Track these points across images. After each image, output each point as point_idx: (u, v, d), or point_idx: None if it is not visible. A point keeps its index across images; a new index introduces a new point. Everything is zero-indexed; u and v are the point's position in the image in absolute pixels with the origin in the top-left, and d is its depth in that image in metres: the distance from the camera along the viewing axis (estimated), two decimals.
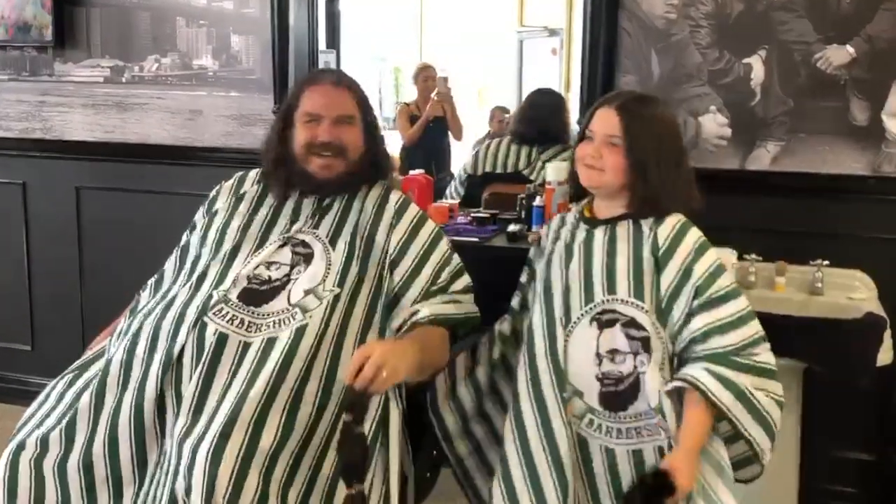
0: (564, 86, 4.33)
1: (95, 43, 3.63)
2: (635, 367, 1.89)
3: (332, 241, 2.07)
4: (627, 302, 1.91)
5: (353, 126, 2.13)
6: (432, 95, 4.13)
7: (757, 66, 2.82)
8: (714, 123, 2.88)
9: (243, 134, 3.45)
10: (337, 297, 1.96)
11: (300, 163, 2.13)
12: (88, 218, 3.71)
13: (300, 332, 1.88)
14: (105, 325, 2.21)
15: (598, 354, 1.91)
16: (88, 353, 2.08)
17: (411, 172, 3.37)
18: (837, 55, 2.74)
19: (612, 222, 2.01)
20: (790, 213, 2.81)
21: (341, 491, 1.79)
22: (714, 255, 1.94)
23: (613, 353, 1.90)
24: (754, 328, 1.90)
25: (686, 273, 1.91)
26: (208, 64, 3.48)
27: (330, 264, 2.03)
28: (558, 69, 4.40)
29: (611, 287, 1.93)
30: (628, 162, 1.95)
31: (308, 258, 2.04)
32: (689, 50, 2.87)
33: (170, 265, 2.19)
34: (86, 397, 1.89)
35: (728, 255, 2.59)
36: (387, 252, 2.09)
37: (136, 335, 1.95)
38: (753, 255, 2.62)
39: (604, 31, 2.92)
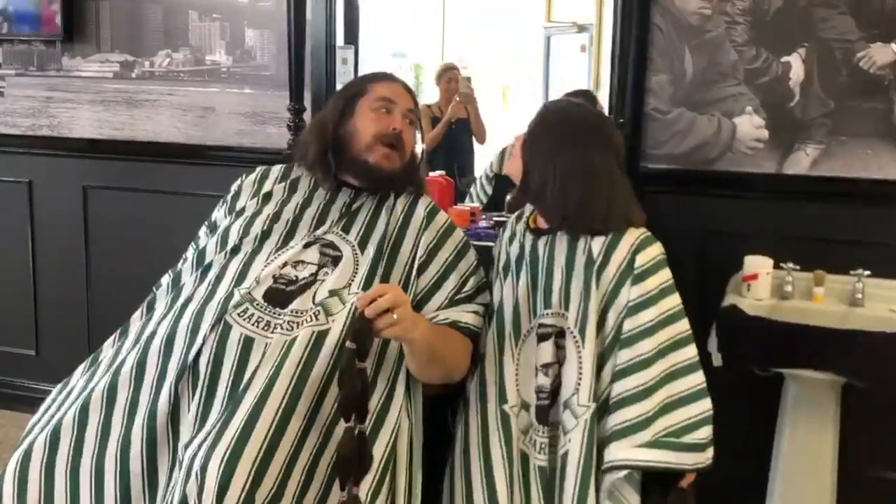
0: (594, 84, 4.32)
1: (105, 37, 3.67)
2: (558, 376, 2.02)
3: (362, 245, 2.11)
4: (559, 314, 2.04)
5: (413, 127, 2.23)
6: (455, 97, 4.14)
7: (796, 64, 2.82)
8: (750, 125, 2.88)
9: (257, 132, 3.48)
10: None
11: (359, 152, 2.18)
12: (96, 218, 3.75)
13: (321, 337, 1.90)
14: (113, 330, 2.24)
15: (536, 368, 2.04)
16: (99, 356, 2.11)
17: (431, 174, 3.39)
18: (881, 54, 2.74)
19: (553, 233, 2.11)
20: (830, 220, 2.80)
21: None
22: (645, 256, 2.01)
23: (547, 366, 2.03)
24: (679, 329, 2.00)
25: (615, 291, 2.01)
26: (221, 59, 3.51)
27: (358, 265, 2.06)
28: (587, 67, 4.40)
29: (547, 301, 2.06)
30: (522, 154, 2.14)
31: (336, 260, 2.08)
32: (724, 47, 2.87)
33: (187, 263, 2.21)
34: (98, 389, 1.92)
35: (764, 264, 2.60)
36: (415, 255, 2.13)
37: (152, 336, 1.98)
38: (790, 264, 2.62)
39: (635, 28, 2.92)
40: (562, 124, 2.13)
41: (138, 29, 3.62)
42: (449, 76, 4.36)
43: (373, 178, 2.19)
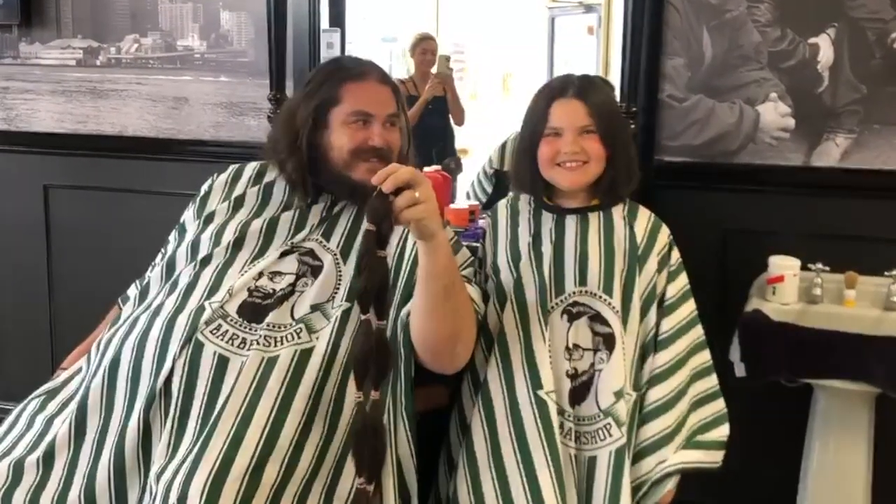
0: (603, 69, 4.32)
1: (66, 21, 3.67)
2: (593, 364, 2.09)
3: (344, 254, 2.11)
4: (596, 296, 2.11)
5: (397, 127, 2.20)
6: (431, 70, 4.11)
7: (825, 46, 2.83)
8: (775, 113, 2.88)
9: (234, 125, 3.48)
10: (347, 313, 1.98)
11: (340, 168, 2.14)
12: (58, 220, 3.75)
13: (305, 356, 1.90)
14: (78, 342, 2.24)
15: (567, 349, 2.10)
16: (62, 374, 2.12)
17: (426, 169, 3.38)
18: None
19: (582, 212, 2.20)
20: (862, 217, 2.81)
21: None
22: (676, 254, 2.23)
23: (575, 348, 2.10)
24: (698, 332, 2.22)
25: (654, 281, 2.17)
26: (195, 44, 3.51)
27: (340, 278, 2.06)
28: (596, 51, 4.40)
29: (581, 279, 2.12)
30: (605, 148, 2.17)
31: (316, 270, 2.07)
32: (746, 28, 2.88)
33: (155, 271, 2.21)
34: (63, 428, 1.93)
35: (790, 265, 2.60)
36: (403, 255, 2.11)
37: (118, 354, 1.97)
38: (819, 265, 2.63)
39: (648, 7, 2.92)
40: (613, 100, 2.28)
41: (103, 11, 3.61)
42: (423, 47, 4.30)
43: (361, 194, 2.09)
